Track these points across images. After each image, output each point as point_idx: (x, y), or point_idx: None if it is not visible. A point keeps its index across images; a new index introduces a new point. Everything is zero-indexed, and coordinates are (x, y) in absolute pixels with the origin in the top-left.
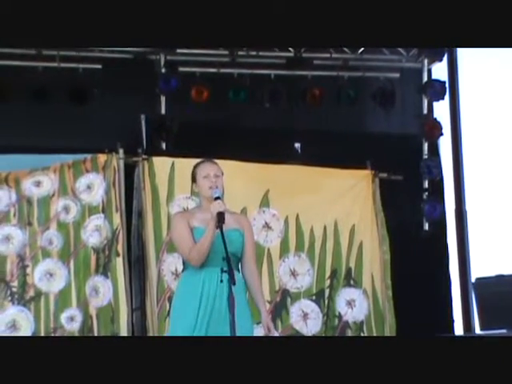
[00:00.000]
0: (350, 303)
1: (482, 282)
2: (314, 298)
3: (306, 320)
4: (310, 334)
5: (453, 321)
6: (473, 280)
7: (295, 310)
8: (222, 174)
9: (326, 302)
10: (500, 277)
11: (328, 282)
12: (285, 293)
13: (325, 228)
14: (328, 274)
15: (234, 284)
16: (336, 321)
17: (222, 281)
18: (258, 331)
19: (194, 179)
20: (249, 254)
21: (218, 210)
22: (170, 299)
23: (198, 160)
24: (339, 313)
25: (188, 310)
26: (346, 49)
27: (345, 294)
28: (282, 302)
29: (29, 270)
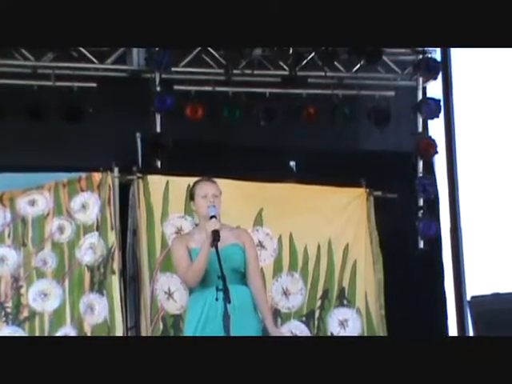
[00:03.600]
0: (342, 323)
1: (478, 300)
2: (303, 319)
3: None
4: None
5: None
6: (468, 298)
7: (284, 332)
8: (221, 193)
9: (316, 322)
10: (496, 295)
11: (319, 303)
12: (276, 313)
13: (318, 247)
14: (320, 294)
15: (229, 302)
16: None
17: (217, 299)
18: None
19: (191, 197)
20: (252, 268)
21: (213, 228)
22: (163, 319)
23: (193, 179)
24: (331, 333)
25: (191, 332)
26: (340, 67)
27: (338, 314)
28: None
29: (23, 291)
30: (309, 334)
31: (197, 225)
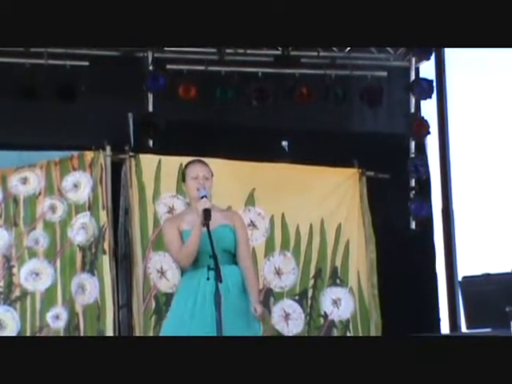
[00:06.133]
0: (335, 302)
1: (469, 280)
2: (296, 298)
3: (288, 320)
4: (290, 335)
5: (439, 319)
6: (459, 279)
7: (277, 310)
8: (212, 175)
9: (309, 302)
10: (486, 276)
11: (312, 282)
12: (268, 292)
13: (311, 227)
14: (312, 273)
15: (221, 281)
16: (321, 320)
17: (208, 278)
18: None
19: (183, 179)
20: (242, 250)
21: (204, 206)
22: (155, 297)
23: (184, 158)
24: (325, 312)
25: (179, 310)
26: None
27: (330, 293)
28: (264, 302)
29: (15, 270)
30: (302, 313)
31: (188, 205)
